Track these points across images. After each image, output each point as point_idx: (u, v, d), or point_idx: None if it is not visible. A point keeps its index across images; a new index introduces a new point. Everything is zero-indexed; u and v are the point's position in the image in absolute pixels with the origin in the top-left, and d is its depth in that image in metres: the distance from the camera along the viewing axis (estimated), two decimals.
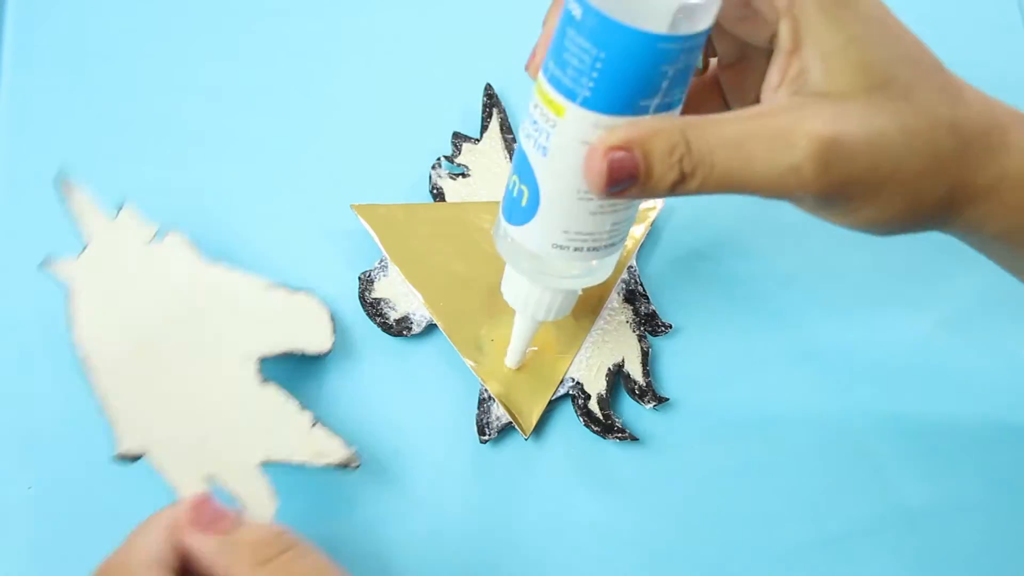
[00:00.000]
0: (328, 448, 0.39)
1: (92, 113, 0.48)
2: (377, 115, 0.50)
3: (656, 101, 0.29)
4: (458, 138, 0.49)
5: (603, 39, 0.28)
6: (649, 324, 0.45)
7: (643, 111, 0.29)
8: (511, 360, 0.42)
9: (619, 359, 0.45)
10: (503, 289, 0.38)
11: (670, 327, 0.46)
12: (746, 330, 0.47)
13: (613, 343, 0.45)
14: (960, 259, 0.49)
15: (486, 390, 0.43)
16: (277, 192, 0.47)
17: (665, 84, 0.29)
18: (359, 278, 0.45)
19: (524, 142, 0.32)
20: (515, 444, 0.43)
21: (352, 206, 0.46)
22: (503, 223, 0.35)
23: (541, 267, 0.34)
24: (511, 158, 0.48)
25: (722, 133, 0.29)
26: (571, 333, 0.45)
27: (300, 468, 0.39)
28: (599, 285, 0.45)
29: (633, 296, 0.46)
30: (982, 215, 0.33)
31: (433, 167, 0.48)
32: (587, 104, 0.29)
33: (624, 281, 0.46)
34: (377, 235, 0.45)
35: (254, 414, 0.39)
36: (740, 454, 0.44)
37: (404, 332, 0.44)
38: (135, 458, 0.37)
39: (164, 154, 0.47)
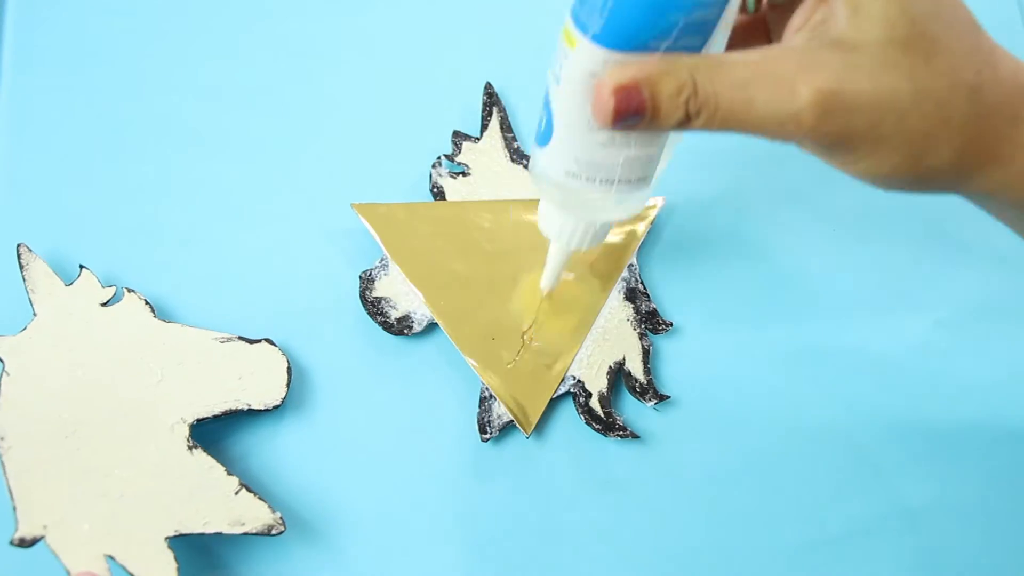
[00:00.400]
0: (251, 515, 0.39)
1: (92, 113, 0.48)
2: (377, 114, 0.50)
3: (666, 44, 0.30)
4: (458, 137, 0.49)
5: None
6: (650, 322, 0.45)
7: (652, 51, 0.30)
8: (545, 283, 0.42)
9: (620, 357, 0.45)
10: (538, 219, 0.38)
11: (671, 325, 0.46)
12: (747, 329, 0.47)
13: (614, 341, 0.45)
14: (960, 259, 0.49)
15: (487, 388, 0.43)
16: (277, 191, 0.47)
17: (676, 31, 0.29)
18: (360, 277, 0.45)
19: (548, 74, 0.33)
20: (516, 442, 0.43)
21: (353, 205, 0.46)
22: (533, 149, 0.36)
23: (565, 196, 0.34)
24: (511, 157, 0.48)
25: (729, 75, 0.30)
26: (572, 331, 0.45)
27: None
28: (598, 287, 0.45)
29: (634, 294, 0.46)
30: (998, 183, 0.32)
31: (433, 166, 0.48)
32: (597, 39, 0.30)
33: (625, 279, 0.46)
34: (378, 234, 0.45)
35: (175, 483, 0.39)
36: (741, 452, 0.44)
37: (405, 331, 0.44)
38: (32, 542, 0.38)
39: (164, 154, 0.47)
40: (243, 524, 0.39)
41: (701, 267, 0.48)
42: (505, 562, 0.41)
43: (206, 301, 0.44)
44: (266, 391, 0.42)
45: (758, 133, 0.30)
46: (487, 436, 0.42)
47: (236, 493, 0.39)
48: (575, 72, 0.31)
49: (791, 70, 0.29)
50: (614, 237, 0.46)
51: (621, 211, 0.35)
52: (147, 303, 0.43)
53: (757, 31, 0.37)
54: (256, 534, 0.39)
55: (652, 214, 0.48)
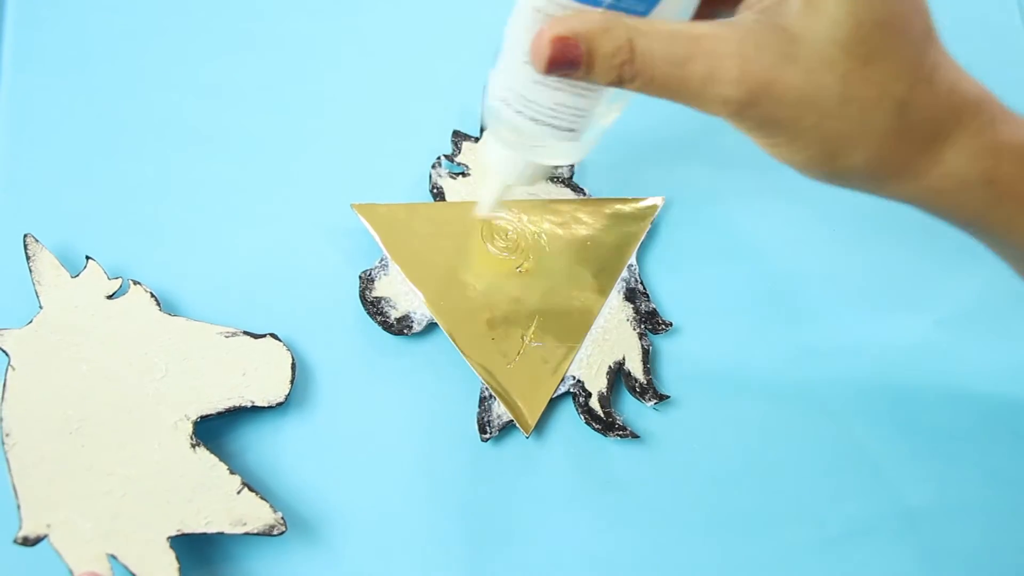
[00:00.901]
0: (252, 514, 0.39)
1: (92, 111, 0.48)
2: (377, 114, 0.50)
3: (609, 2, 0.30)
4: (458, 137, 0.49)
5: None
6: (649, 322, 0.45)
7: (595, 4, 0.30)
8: (480, 210, 0.41)
9: (620, 357, 0.45)
10: (479, 148, 0.38)
11: (670, 325, 0.46)
12: (746, 328, 0.47)
13: (614, 341, 0.45)
14: (960, 259, 0.49)
15: (487, 388, 0.43)
16: (278, 191, 0.47)
17: None
18: (360, 277, 0.45)
19: None
20: (516, 442, 0.43)
21: (352, 205, 0.46)
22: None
23: (497, 123, 0.35)
24: None
25: (668, 48, 0.30)
26: (572, 331, 0.45)
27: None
28: (598, 287, 0.45)
29: (633, 294, 0.46)
30: (911, 194, 0.33)
31: (433, 166, 0.48)
32: None
33: (624, 279, 0.46)
34: (377, 234, 0.45)
35: (177, 482, 0.39)
36: (741, 452, 0.44)
37: (405, 331, 0.44)
38: (36, 541, 0.38)
39: (163, 153, 0.47)
40: (245, 524, 0.39)
41: (701, 267, 0.48)
42: (504, 562, 0.41)
43: (206, 301, 0.44)
44: (270, 387, 0.42)
45: (688, 105, 0.31)
46: (487, 436, 0.43)
47: (238, 492, 0.39)
48: (524, 2, 0.31)
49: (730, 54, 0.30)
50: (614, 238, 0.46)
51: (546, 156, 0.36)
52: (153, 296, 0.43)
53: None
54: (257, 534, 0.39)
55: (651, 214, 0.48)
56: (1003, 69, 0.53)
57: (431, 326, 0.44)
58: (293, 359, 0.42)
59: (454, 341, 0.44)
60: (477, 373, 0.43)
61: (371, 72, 0.51)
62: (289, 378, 0.42)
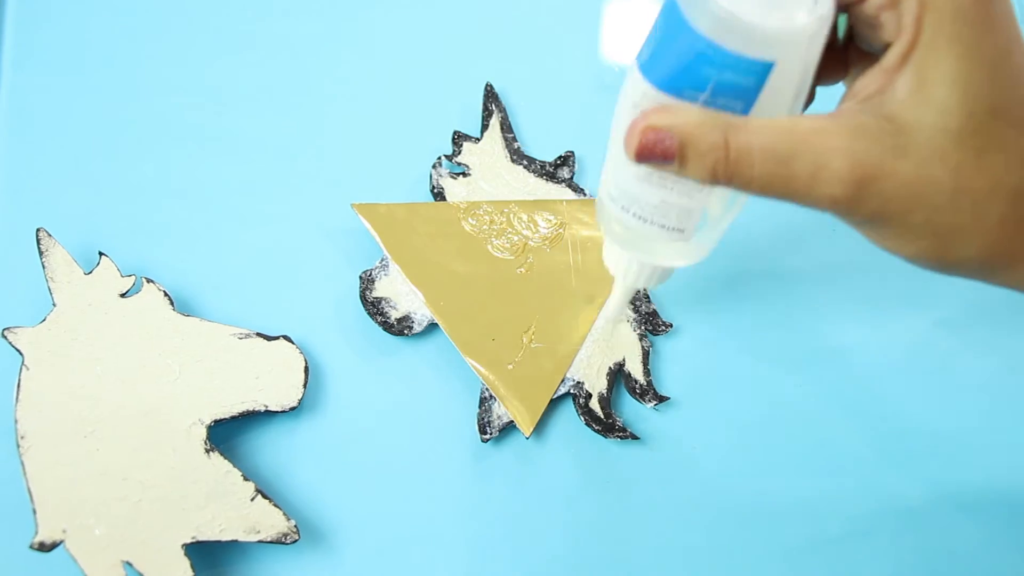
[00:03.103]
0: (266, 522, 0.39)
1: (92, 113, 0.48)
2: (377, 114, 0.50)
3: (703, 97, 0.29)
4: (459, 137, 0.49)
5: (666, 15, 0.29)
6: (650, 323, 0.45)
7: (688, 100, 0.30)
8: (609, 311, 0.40)
9: (620, 358, 0.45)
10: (603, 253, 0.38)
11: (670, 326, 0.46)
12: (746, 329, 0.47)
13: (614, 342, 0.45)
14: None
15: (487, 389, 0.43)
16: (277, 191, 0.47)
17: (710, 86, 0.29)
18: (360, 277, 0.45)
19: None
20: (516, 443, 0.43)
21: (353, 205, 0.46)
22: None
23: (608, 219, 0.34)
24: (511, 157, 0.48)
25: (769, 144, 0.29)
26: (572, 332, 0.45)
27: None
28: (599, 286, 0.45)
29: (634, 295, 0.46)
30: (1018, 282, 0.32)
31: (434, 166, 0.48)
32: (643, 69, 0.30)
33: None
34: (378, 234, 0.45)
35: (191, 488, 0.39)
36: (740, 453, 0.44)
37: (405, 331, 0.44)
38: (52, 547, 0.37)
39: (163, 153, 0.47)
40: (258, 532, 0.39)
41: (701, 268, 0.47)
42: (504, 562, 0.41)
43: (205, 300, 0.44)
44: (283, 391, 0.42)
45: (792, 202, 0.30)
46: (487, 437, 0.43)
47: (252, 499, 0.39)
48: (625, 95, 0.31)
49: (836, 148, 0.29)
50: None
51: (658, 256, 0.35)
52: (166, 295, 0.42)
53: (839, 61, 0.35)
54: (271, 542, 0.39)
55: None
56: None
57: (431, 326, 0.44)
58: (306, 362, 0.42)
59: (454, 342, 0.44)
60: (477, 374, 0.43)
61: (372, 72, 0.51)
62: (302, 382, 0.42)
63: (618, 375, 0.44)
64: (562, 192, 0.48)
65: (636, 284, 0.37)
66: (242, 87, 0.49)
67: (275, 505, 0.39)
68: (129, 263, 0.44)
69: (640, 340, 0.45)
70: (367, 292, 0.45)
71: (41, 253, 0.42)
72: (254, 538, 0.39)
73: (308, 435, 0.43)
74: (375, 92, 0.50)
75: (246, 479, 0.40)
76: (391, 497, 0.42)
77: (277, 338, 0.42)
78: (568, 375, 0.44)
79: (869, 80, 0.30)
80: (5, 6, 0.50)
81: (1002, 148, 0.29)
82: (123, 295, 0.42)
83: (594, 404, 0.43)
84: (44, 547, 0.37)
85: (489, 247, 0.46)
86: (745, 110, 0.30)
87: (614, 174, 0.33)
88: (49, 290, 0.42)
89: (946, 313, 0.48)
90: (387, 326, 0.44)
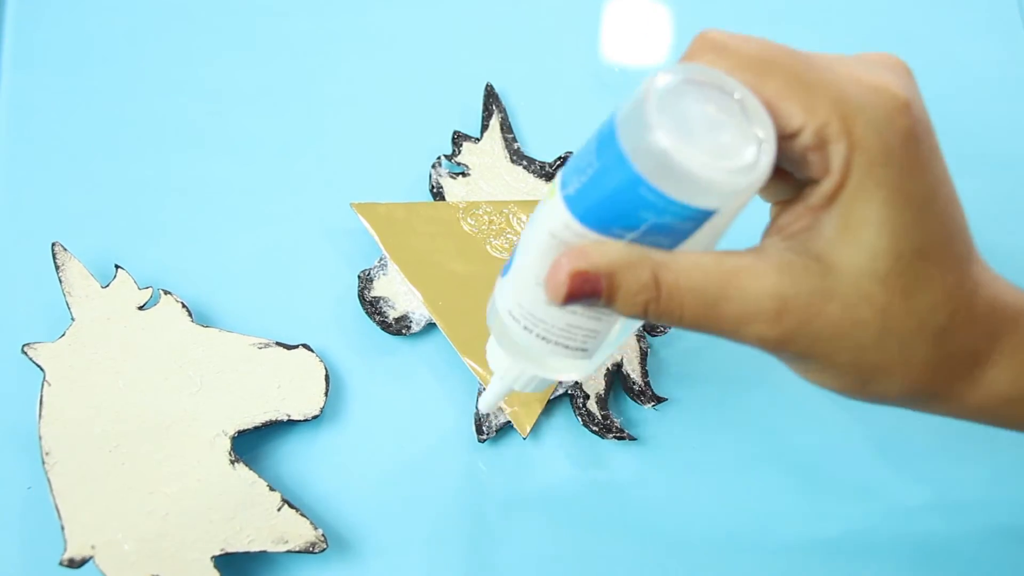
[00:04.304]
0: (293, 532, 0.39)
1: (92, 113, 0.48)
2: (377, 114, 0.50)
3: (633, 236, 0.28)
4: (458, 137, 0.49)
5: (603, 151, 0.28)
6: (648, 324, 0.45)
7: (617, 237, 0.29)
8: (482, 406, 0.40)
9: (618, 359, 0.45)
10: (487, 347, 0.37)
11: (669, 327, 0.46)
12: None
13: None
14: None
15: (485, 389, 0.43)
16: (277, 191, 0.47)
17: (644, 227, 0.28)
18: (358, 276, 0.45)
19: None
20: (513, 443, 0.43)
21: (352, 205, 0.46)
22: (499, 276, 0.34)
23: (504, 334, 0.33)
24: (511, 158, 0.48)
25: (698, 285, 0.29)
26: None
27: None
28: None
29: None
30: (948, 413, 0.32)
31: (433, 166, 0.48)
32: (568, 201, 0.29)
33: None
34: (377, 234, 0.45)
35: (218, 500, 0.39)
36: (738, 454, 0.44)
37: (403, 331, 0.44)
38: (81, 563, 0.38)
39: (163, 153, 0.47)
40: (286, 542, 0.39)
41: None
42: (501, 562, 0.41)
43: (205, 300, 0.44)
44: (305, 400, 0.42)
45: (720, 336, 0.30)
46: (484, 437, 0.43)
47: (279, 509, 0.39)
48: (542, 223, 0.30)
49: (764, 290, 0.29)
50: None
51: (552, 372, 0.34)
52: (184, 306, 0.42)
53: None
54: (299, 552, 0.39)
55: None
56: (1003, 69, 0.53)
57: (429, 326, 0.44)
58: (327, 371, 0.42)
59: (452, 341, 0.44)
60: (475, 374, 0.43)
61: (371, 72, 0.51)
62: (323, 390, 0.42)
63: (616, 376, 0.44)
64: None
65: (515, 387, 0.36)
66: (242, 87, 0.49)
67: (302, 515, 0.39)
68: (126, 262, 0.44)
69: (638, 341, 0.45)
70: (365, 291, 0.45)
71: (57, 267, 0.42)
72: (282, 548, 0.39)
73: (303, 433, 0.43)
74: (375, 92, 0.50)
75: (272, 489, 0.40)
76: (385, 495, 0.42)
77: (297, 347, 0.42)
78: None
79: (794, 217, 0.30)
80: (5, 6, 0.50)
81: (928, 288, 0.29)
82: (141, 308, 0.42)
83: (592, 405, 0.43)
84: (74, 563, 0.37)
85: (488, 247, 0.46)
86: (672, 246, 0.29)
87: (517, 294, 0.31)
88: (67, 304, 0.42)
89: None
90: (385, 325, 0.44)
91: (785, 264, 0.29)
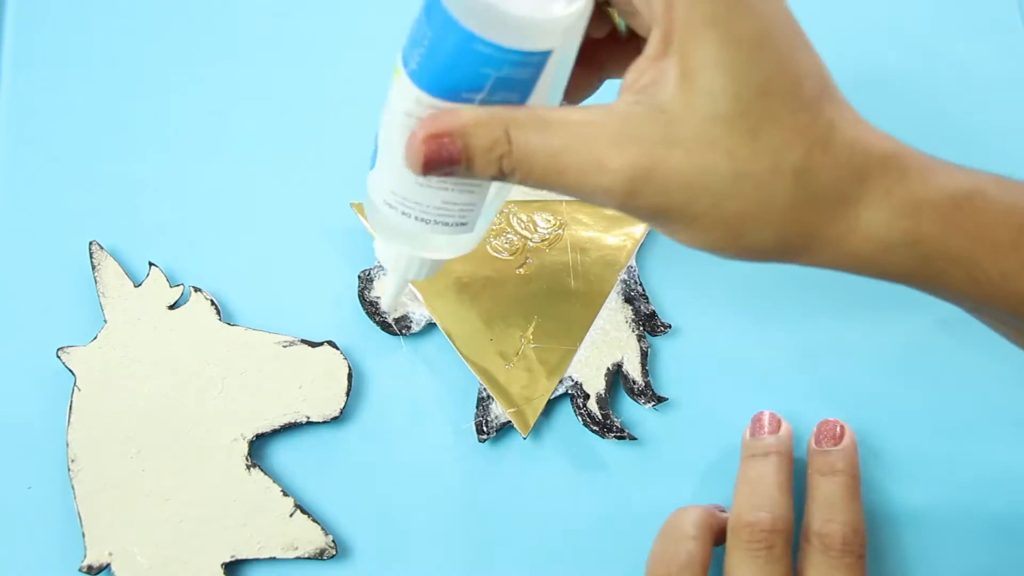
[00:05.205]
0: (304, 538, 0.39)
1: (92, 113, 0.48)
2: (377, 114, 0.50)
3: (480, 96, 0.29)
4: None
5: (433, 18, 0.28)
6: (648, 324, 0.45)
7: (467, 102, 0.29)
8: (384, 305, 0.41)
9: (618, 359, 0.45)
10: (374, 246, 0.37)
11: (669, 327, 0.46)
12: (746, 330, 0.47)
13: (612, 343, 0.45)
14: None
15: (485, 389, 0.43)
16: (277, 190, 0.47)
17: (489, 84, 0.29)
18: (358, 277, 0.45)
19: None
20: (513, 443, 0.43)
21: (352, 204, 0.46)
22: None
23: (386, 224, 0.34)
24: None
25: (544, 140, 0.29)
26: (571, 332, 0.45)
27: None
28: (598, 286, 0.45)
29: (633, 296, 0.46)
30: (831, 262, 0.31)
31: None
32: (413, 77, 0.29)
33: (624, 281, 0.46)
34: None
35: (232, 506, 0.39)
36: (738, 454, 0.44)
37: (403, 331, 0.44)
38: (99, 570, 0.38)
39: (163, 153, 0.47)
40: (296, 548, 0.39)
41: (700, 269, 0.47)
42: (501, 563, 0.42)
43: None
44: (325, 401, 0.41)
45: (573, 196, 0.30)
46: (484, 437, 0.43)
47: (291, 515, 0.39)
48: (394, 104, 0.30)
49: (606, 141, 0.28)
50: (613, 239, 0.46)
51: (437, 251, 0.35)
52: (213, 303, 0.43)
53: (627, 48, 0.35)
54: (308, 558, 0.39)
55: None
56: (1003, 69, 0.53)
57: (429, 326, 0.44)
58: (350, 369, 0.42)
59: (452, 342, 0.44)
60: (475, 374, 0.43)
61: (371, 72, 0.51)
62: (345, 390, 0.42)
63: (616, 376, 0.44)
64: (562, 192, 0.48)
65: (409, 276, 0.36)
66: (242, 87, 0.49)
67: (314, 520, 0.39)
68: (125, 262, 0.44)
69: (639, 340, 0.45)
70: (365, 291, 0.45)
71: (94, 267, 0.42)
72: (292, 555, 0.39)
73: (302, 433, 0.43)
74: (375, 92, 0.50)
75: (285, 494, 0.40)
76: (384, 495, 0.42)
77: (321, 344, 0.42)
78: (566, 375, 0.44)
79: (639, 71, 0.30)
80: (5, 6, 0.50)
81: (776, 127, 0.29)
82: (171, 307, 0.42)
83: (592, 404, 0.43)
84: (92, 570, 0.38)
85: (488, 247, 0.46)
86: (521, 101, 0.30)
87: (390, 182, 0.32)
88: (100, 306, 0.42)
89: (946, 313, 0.48)
90: (385, 326, 0.44)
91: (629, 116, 0.29)
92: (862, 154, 0.30)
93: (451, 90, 0.29)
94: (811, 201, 0.29)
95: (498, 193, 0.33)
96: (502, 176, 0.29)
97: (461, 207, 0.32)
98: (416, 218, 0.32)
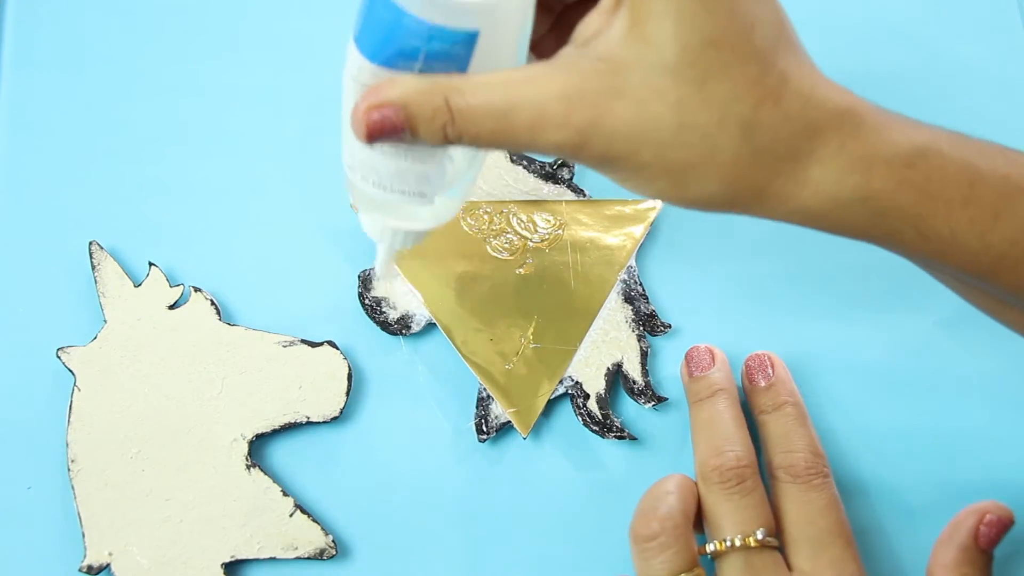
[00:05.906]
0: (303, 538, 0.39)
1: (92, 113, 0.48)
2: None
3: (417, 66, 0.30)
4: None
5: None
6: (648, 324, 0.45)
7: (405, 70, 0.30)
8: (377, 273, 0.41)
9: (618, 358, 0.45)
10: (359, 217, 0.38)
11: (669, 327, 0.46)
12: (746, 330, 0.47)
13: (612, 342, 0.45)
14: None
15: (485, 389, 0.43)
16: (277, 190, 0.47)
17: (422, 57, 0.29)
18: (359, 277, 0.45)
19: None
20: (513, 443, 0.43)
21: (352, 205, 0.46)
22: None
23: (354, 188, 0.34)
24: (511, 157, 0.48)
25: (488, 100, 0.29)
26: (571, 332, 0.45)
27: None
28: (597, 286, 0.45)
29: (633, 296, 0.46)
30: (781, 215, 0.31)
31: None
32: (357, 43, 0.30)
33: (623, 281, 0.46)
34: None
35: (232, 506, 0.39)
36: None
37: (403, 331, 0.44)
38: (99, 570, 0.38)
39: (163, 153, 0.47)
40: (296, 548, 0.39)
41: (700, 269, 0.48)
42: (501, 562, 0.42)
43: None
44: (324, 401, 0.41)
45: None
46: (484, 436, 0.43)
47: (291, 515, 0.39)
48: (346, 71, 0.31)
49: (552, 96, 0.29)
50: (613, 239, 0.46)
51: (406, 221, 0.35)
52: (213, 303, 0.43)
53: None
54: (308, 558, 0.39)
55: (651, 216, 0.47)
56: (1003, 69, 0.53)
57: (430, 326, 0.44)
58: (350, 369, 0.42)
59: (452, 342, 0.44)
60: (475, 374, 0.43)
61: None
62: (344, 390, 0.42)
63: (616, 375, 0.44)
64: (562, 193, 0.48)
65: (396, 246, 0.37)
66: (241, 86, 0.49)
67: (313, 520, 0.39)
68: (124, 262, 0.44)
69: (639, 340, 0.45)
70: (366, 292, 0.45)
71: (94, 267, 0.42)
72: (291, 555, 0.39)
73: (301, 433, 0.43)
74: None
75: (285, 494, 0.40)
76: (384, 495, 0.42)
77: (321, 344, 0.42)
78: (566, 375, 0.44)
79: (589, 24, 0.30)
80: (5, 6, 0.50)
81: (724, 79, 0.28)
82: (171, 307, 0.42)
83: (592, 404, 0.43)
84: (92, 570, 0.38)
85: (488, 247, 0.46)
86: (461, 70, 0.30)
87: (351, 147, 0.33)
88: (100, 306, 0.42)
89: (946, 313, 0.48)
90: (385, 326, 0.44)
91: (574, 67, 0.29)
92: (816, 108, 0.29)
93: (389, 60, 0.29)
94: (758, 154, 0.29)
95: (471, 162, 0.34)
96: (450, 142, 0.30)
97: (416, 176, 0.33)
98: (374, 183, 0.33)
